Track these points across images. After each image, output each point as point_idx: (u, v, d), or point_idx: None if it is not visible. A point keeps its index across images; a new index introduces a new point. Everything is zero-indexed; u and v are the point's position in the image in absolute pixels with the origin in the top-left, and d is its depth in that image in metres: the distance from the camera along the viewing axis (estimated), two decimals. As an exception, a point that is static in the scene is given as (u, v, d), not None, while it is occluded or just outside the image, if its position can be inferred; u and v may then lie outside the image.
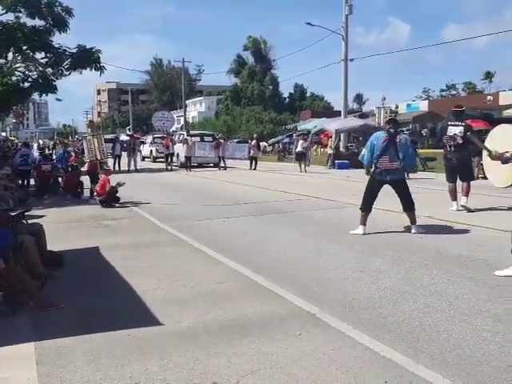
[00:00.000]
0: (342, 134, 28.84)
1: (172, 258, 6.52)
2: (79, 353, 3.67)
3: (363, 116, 39.94)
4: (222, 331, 3.98)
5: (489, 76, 69.74)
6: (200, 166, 27.57)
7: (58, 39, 22.94)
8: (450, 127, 9.53)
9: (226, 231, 8.33)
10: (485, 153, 5.97)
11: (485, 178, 9.22)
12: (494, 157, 5.32)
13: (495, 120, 26.19)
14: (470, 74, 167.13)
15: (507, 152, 5.17)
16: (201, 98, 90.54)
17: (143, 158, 33.01)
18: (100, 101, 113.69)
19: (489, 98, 41.43)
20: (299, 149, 24.18)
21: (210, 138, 28.92)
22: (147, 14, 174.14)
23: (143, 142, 37.02)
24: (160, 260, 6.40)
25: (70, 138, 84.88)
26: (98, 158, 13.11)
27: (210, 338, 3.86)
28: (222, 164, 26.23)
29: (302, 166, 23.10)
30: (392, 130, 7.66)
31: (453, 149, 9.39)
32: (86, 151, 13.27)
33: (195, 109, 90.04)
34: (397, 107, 45.43)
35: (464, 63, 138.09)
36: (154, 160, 33.09)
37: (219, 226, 8.76)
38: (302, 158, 23.71)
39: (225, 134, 46.82)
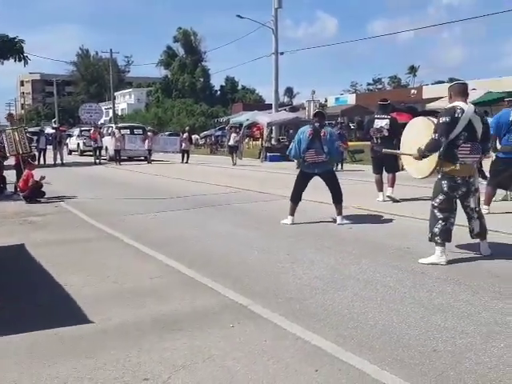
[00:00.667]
0: (273, 127, 29.15)
1: (102, 253, 6.37)
2: (4, 354, 3.51)
3: (294, 109, 40.54)
4: (154, 327, 3.93)
5: (413, 70, 72.47)
6: (130, 159, 27.08)
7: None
8: (376, 120, 9.88)
9: (157, 226, 8.22)
10: (403, 143, 6.20)
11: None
12: (419, 157, 5.53)
13: (419, 113, 27.21)
14: (395, 68, 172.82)
15: (421, 147, 5.40)
16: (130, 89, 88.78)
17: (70, 152, 32.09)
18: (23, 92, 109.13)
19: (413, 91, 43.05)
20: (232, 142, 24.27)
21: (140, 131, 28.44)
22: (73, 2, 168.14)
23: (70, 135, 35.92)
24: (89, 256, 6.23)
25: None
26: (20, 151, 12.54)
27: (141, 334, 3.80)
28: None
29: (235, 158, 23.19)
30: (317, 124, 7.81)
31: (379, 141, 9.72)
32: (6, 145, 12.66)
33: (124, 101, 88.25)
34: (326, 101, 46.41)
35: (390, 57, 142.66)
36: (82, 153, 32.22)
37: (151, 221, 8.63)
38: (234, 150, 23.81)
39: (156, 127, 46.18)
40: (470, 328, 3.73)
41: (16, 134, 12.53)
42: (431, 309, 4.14)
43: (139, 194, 12.17)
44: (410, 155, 5.76)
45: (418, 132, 5.84)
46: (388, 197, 9.83)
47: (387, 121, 9.76)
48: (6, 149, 12.57)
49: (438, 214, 5.46)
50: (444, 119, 5.26)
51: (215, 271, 5.40)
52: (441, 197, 5.44)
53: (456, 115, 5.23)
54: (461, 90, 5.47)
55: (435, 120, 5.55)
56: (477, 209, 5.58)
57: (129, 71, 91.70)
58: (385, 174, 10.00)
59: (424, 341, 3.53)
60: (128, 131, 28.02)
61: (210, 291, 4.75)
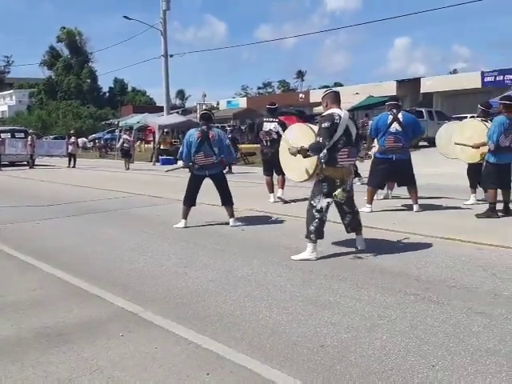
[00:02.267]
0: (165, 130, 28.81)
1: (-21, 266, 5.93)
2: None
3: (186, 112, 40.36)
4: (38, 341, 3.71)
5: (300, 75, 74.96)
6: (12, 164, 25.55)
7: None
8: (265, 123, 10.10)
9: (42, 234, 7.80)
10: (282, 151, 6.41)
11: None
12: (295, 153, 5.76)
13: (307, 116, 28.17)
14: (284, 73, 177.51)
15: (303, 146, 5.64)
16: (11, 91, 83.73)
17: None
18: None
19: (301, 95, 44.53)
20: (125, 145, 23.58)
21: (22, 134, 26.92)
22: None
23: None
24: (-36, 270, 5.78)
25: None
26: None
27: (24, 349, 3.58)
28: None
29: (127, 163, 22.60)
30: (204, 127, 7.82)
31: (268, 143, 9.95)
32: None
33: (5, 102, 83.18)
34: (218, 104, 46.75)
35: (278, 62, 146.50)
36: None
37: (34, 229, 8.18)
38: (127, 154, 23.18)
39: (40, 130, 43.94)
40: (355, 323, 3.89)
41: None
42: (319, 305, 4.28)
43: (21, 201, 11.50)
44: (293, 150, 5.93)
45: (296, 137, 6.06)
46: (278, 198, 10.07)
47: (275, 124, 10.01)
48: None
49: (315, 213, 5.74)
50: (326, 124, 5.54)
51: (104, 279, 5.22)
52: (319, 197, 5.68)
53: (335, 121, 5.55)
54: (335, 98, 5.82)
55: (313, 126, 5.86)
56: (351, 206, 5.94)
57: (9, 72, 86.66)
58: (275, 175, 10.22)
59: (312, 337, 3.64)
60: (9, 135, 26.43)
61: (98, 300, 4.58)
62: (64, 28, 71.89)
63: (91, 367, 3.26)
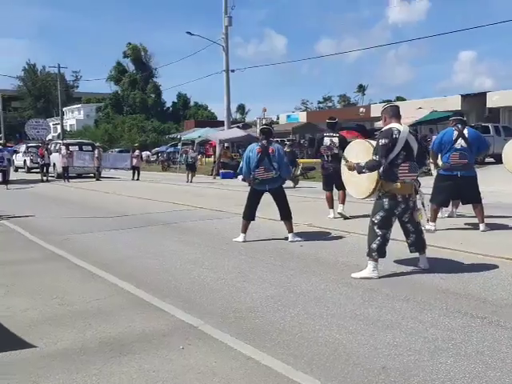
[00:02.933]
0: (225, 144, 29.20)
1: (47, 274, 6.16)
2: None
3: (246, 126, 40.77)
4: (101, 350, 3.81)
5: (361, 89, 74.34)
6: (79, 176, 26.53)
7: None
8: (325, 138, 10.02)
9: (106, 245, 8.04)
10: (343, 166, 6.37)
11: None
12: (352, 167, 5.73)
13: (367, 131, 27.89)
14: (344, 87, 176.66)
15: (360, 163, 5.59)
16: (79, 105, 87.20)
17: (16, 169, 31.11)
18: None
19: (361, 110, 44.00)
20: (190, 159, 24.13)
21: (89, 147, 27.93)
22: (20, 17, 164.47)
23: (16, 152, 34.93)
24: (34, 277, 6.02)
25: None
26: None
27: (88, 358, 3.68)
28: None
29: (190, 176, 23.07)
30: (264, 141, 7.87)
31: (330, 158, 9.87)
32: None
33: (73, 116, 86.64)
34: (278, 118, 46.96)
35: (339, 76, 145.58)
36: (29, 170, 31.39)
37: (99, 240, 8.44)
38: (192, 168, 23.68)
39: (106, 143, 45.47)
40: (418, 345, 3.78)
41: None
42: (380, 326, 4.19)
43: (87, 212, 11.90)
44: (346, 161, 5.90)
45: (356, 154, 6.01)
46: (339, 213, 9.95)
47: (336, 138, 9.93)
48: None
49: (377, 230, 5.63)
50: (383, 141, 5.47)
51: (164, 291, 5.31)
52: (381, 214, 5.60)
53: (393, 136, 5.46)
54: (394, 113, 5.73)
55: (373, 142, 5.77)
56: (415, 225, 5.77)
57: (77, 86, 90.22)
58: (335, 190, 10.12)
59: (373, 358, 3.56)
60: (77, 147, 27.47)
61: (159, 312, 4.66)
62: (130, 44, 74.39)
63: (152, 379, 3.31)
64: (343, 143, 9.67)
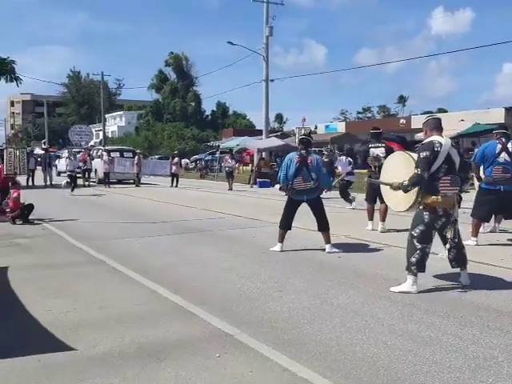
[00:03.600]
0: (263, 153, 29.28)
1: (87, 278, 6.29)
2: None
3: (284, 136, 40.76)
4: (139, 355, 3.86)
5: (402, 100, 73.45)
6: (119, 182, 26.99)
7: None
8: (371, 149, 9.78)
9: (144, 250, 8.15)
10: (383, 179, 6.30)
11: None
12: (396, 188, 5.65)
13: (408, 143, 27.48)
14: (384, 98, 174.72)
15: (404, 181, 5.49)
16: (121, 112, 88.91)
17: (59, 173, 31.83)
18: (13, 113, 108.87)
19: (402, 121, 43.44)
20: (227, 168, 24.33)
21: (130, 154, 28.39)
22: (63, 25, 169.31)
23: (59, 157, 35.78)
24: (74, 281, 6.15)
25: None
26: (17, 172, 12.44)
27: (126, 362, 3.73)
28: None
29: (231, 183, 23.28)
30: (303, 151, 7.84)
31: (377, 169, 9.39)
32: (5, 164, 12.52)
33: (115, 123, 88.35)
34: (316, 128, 46.77)
35: (379, 87, 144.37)
36: (71, 175, 32.02)
37: (138, 245, 8.56)
38: (231, 175, 23.89)
39: (146, 150, 46.14)
40: (458, 362, 3.70)
41: (18, 153, 12.43)
42: (419, 342, 4.11)
43: (127, 218, 12.09)
44: (390, 185, 5.82)
45: (396, 167, 5.93)
46: (380, 229, 9.75)
47: (382, 149, 9.69)
48: (4, 168, 12.38)
49: (416, 244, 5.54)
50: (424, 154, 5.38)
51: (202, 298, 5.34)
52: (421, 227, 5.51)
53: (435, 149, 5.37)
54: (436, 125, 5.63)
55: (413, 154, 5.67)
56: (456, 239, 5.64)
57: (120, 94, 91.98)
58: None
59: (412, 375, 3.49)
60: (118, 154, 27.96)
61: (196, 319, 4.69)
62: (172, 53, 75.57)
63: (189, 386, 3.33)
64: (390, 153, 9.40)
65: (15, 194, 11.28)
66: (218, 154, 35.30)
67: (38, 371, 3.58)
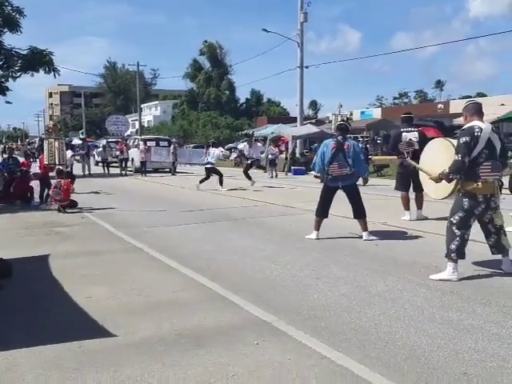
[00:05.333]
0: (298, 140, 29.12)
1: (126, 266, 6.38)
2: (28, 366, 3.52)
3: (319, 123, 40.46)
4: (178, 342, 3.90)
5: (440, 84, 71.86)
6: (156, 171, 27.27)
7: (10, 40, 22.45)
8: (403, 133, 9.49)
9: (182, 238, 8.22)
10: (422, 164, 6.17)
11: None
12: (437, 179, 5.54)
13: (446, 128, 26.90)
14: (421, 83, 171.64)
15: (445, 170, 5.37)
16: (156, 102, 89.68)
17: (96, 163, 32.41)
18: (52, 104, 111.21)
19: (440, 106, 42.60)
20: (270, 156, 24.33)
21: (166, 143, 28.63)
22: (100, 16, 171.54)
23: (96, 146, 36.38)
24: (114, 268, 6.25)
25: (19, 141, 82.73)
26: (57, 162, 12.67)
27: (165, 348, 3.78)
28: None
29: (274, 171, 23.31)
30: (340, 137, 7.74)
31: (410, 155, 8.96)
32: (45, 154, 12.77)
33: (150, 113, 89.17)
34: (351, 114, 46.24)
35: (415, 71, 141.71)
36: (108, 165, 32.54)
37: (176, 233, 8.65)
38: (273, 163, 23.89)
39: (181, 139, 46.46)
40: (501, 351, 3.61)
41: (57, 143, 12.64)
42: (461, 330, 4.03)
43: (164, 206, 12.22)
44: (430, 176, 5.72)
45: (436, 154, 5.82)
46: (417, 217, 9.54)
47: (415, 133, 9.44)
48: (45, 157, 12.61)
49: (456, 230, 5.44)
50: (464, 139, 5.27)
51: (238, 286, 5.35)
52: (460, 214, 5.40)
53: (475, 134, 5.26)
54: (476, 110, 5.50)
55: (453, 141, 5.55)
56: (497, 226, 5.52)
57: (155, 84, 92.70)
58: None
59: (453, 363, 3.43)
60: (154, 143, 28.24)
61: (233, 306, 4.70)
62: (206, 42, 75.63)
63: (228, 373, 3.34)
64: (424, 139, 9.12)
65: (66, 184, 11.50)
66: (256, 142, 35.22)
67: (79, 357, 3.65)
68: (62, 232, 8.89)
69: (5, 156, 19.06)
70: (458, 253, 5.41)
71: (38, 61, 21.76)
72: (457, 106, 38.02)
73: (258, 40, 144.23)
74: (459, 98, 49.58)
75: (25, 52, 21.66)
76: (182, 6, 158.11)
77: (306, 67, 30.43)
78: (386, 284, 5.35)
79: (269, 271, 5.97)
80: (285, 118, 54.41)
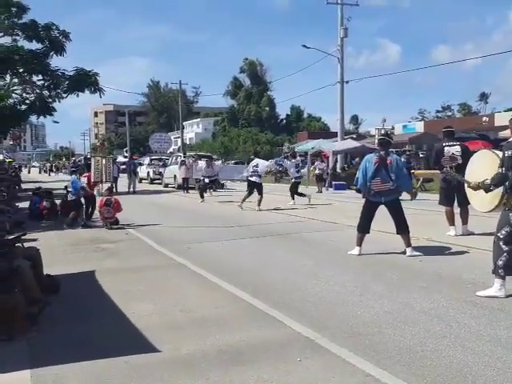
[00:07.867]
0: (338, 155, 28.98)
1: (169, 281, 6.47)
2: (75, 381, 3.61)
3: (360, 137, 40.20)
4: (221, 358, 3.92)
5: (484, 97, 70.37)
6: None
7: (56, 62, 23.35)
8: (445, 148, 9.32)
9: (224, 254, 8.28)
10: (467, 177, 6.09)
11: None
12: (476, 187, 5.44)
13: (491, 141, 26.31)
14: (464, 96, 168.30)
15: (486, 179, 5.27)
16: (198, 119, 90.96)
17: (140, 180, 32.98)
18: (97, 123, 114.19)
19: (484, 119, 41.66)
20: (317, 171, 24.39)
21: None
22: (142, 37, 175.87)
23: (141, 164, 37.09)
24: (157, 284, 6.34)
25: (64, 159, 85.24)
26: (103, 179, 13.00)
27: (208, 365, 3.80)
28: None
29: (320, 187, 23.32)
30: (382, 152, 7.68)
31: (454, 170, 8.87)
32: (92, 171, 13.11)
33: (192, 130, 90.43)
34: (393, 128, 45.77)
35: (458, 85, 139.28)
36: (151, 182, 33.10)
37: (218, 249, 8.71)
38: (321, 178, 23.90)
39: (222, 156, 46.86)
40: (553, 371, 3.49)
41: (104, 161, 12.98)
42: (509, 348, 3.92)
43: (206, 222, 12.33)
44: (469, 183, 5.63)
45: (481, 165, 5.71)
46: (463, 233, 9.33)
47: (457, 147, 9.25)
48: (92, 175, 12.94)
49: (503, 246, 5.29)
50: (509, 153, 5.17)
51: (281, 302, 5.35)
52: (507, 229, 5.25)
53: None
54: None
55: (499, 152, 5.44)
56: None
57: (197, 101, 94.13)
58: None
59: (502, 382, 3.34)
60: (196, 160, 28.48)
61: (275, 322, 4.70)
62: (247, 59, 76.47)
63: (271, 389, 3.34)
64: (467, 152, 8.98)
65: (115, 201, 11.86)
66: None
67: (125, 372, 3.72)
68: (107, 248, 9.08)
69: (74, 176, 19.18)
70: (505, 269, 5.26)
71: (84, 81, 22.47)
72: (502, 119, 37.17)
73: (297, 56, 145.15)
74: (504, 111, 48.39)
75: (71, 73, 22.43)
76: (223, 25, 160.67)
77: (347, 82, 30.36)
78: (431, 301, 5.24)
79: (311, 287, 5.94)
80: (325, 133, 54.16)
